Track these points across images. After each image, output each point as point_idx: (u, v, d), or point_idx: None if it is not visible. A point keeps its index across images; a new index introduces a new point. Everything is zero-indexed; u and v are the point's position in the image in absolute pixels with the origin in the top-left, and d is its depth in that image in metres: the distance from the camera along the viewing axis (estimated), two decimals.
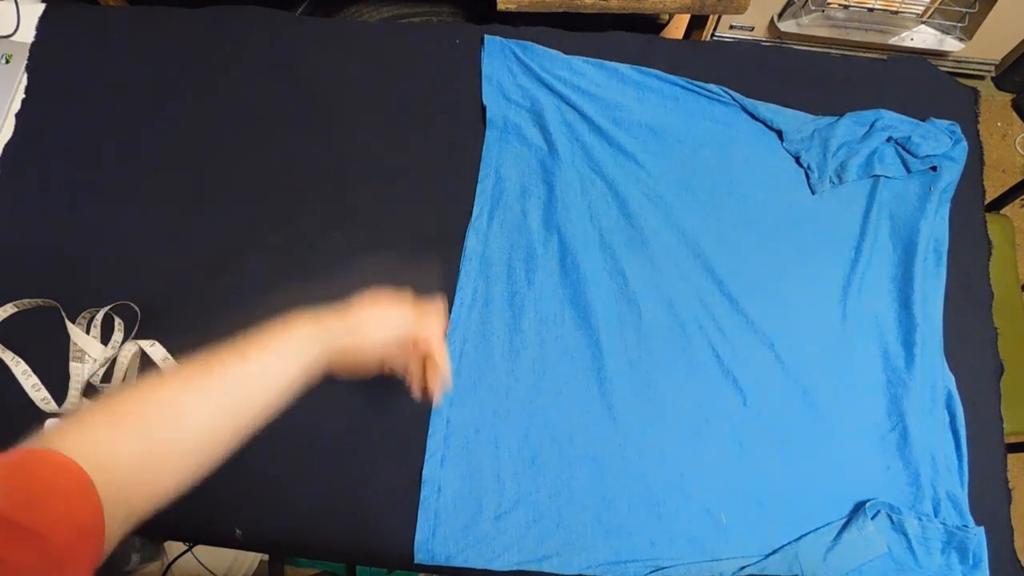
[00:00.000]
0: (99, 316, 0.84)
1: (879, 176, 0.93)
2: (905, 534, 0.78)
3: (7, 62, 0.96)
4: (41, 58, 0.97)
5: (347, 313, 0.62)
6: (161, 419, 0.50)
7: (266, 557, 1.33)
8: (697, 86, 0.97)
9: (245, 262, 0.89)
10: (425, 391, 0.67)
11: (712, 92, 0.96)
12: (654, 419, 0.83)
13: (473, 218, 0.90)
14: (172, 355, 0.84)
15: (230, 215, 0.91)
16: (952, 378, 0.86)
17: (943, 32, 1.66)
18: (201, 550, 1.22)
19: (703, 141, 0.95)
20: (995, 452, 0.85)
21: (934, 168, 0.94)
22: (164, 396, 0.51)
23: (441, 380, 0.67)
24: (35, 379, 0.82)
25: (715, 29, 1.69)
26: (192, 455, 0.51)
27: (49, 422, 0.80)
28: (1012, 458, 0.87)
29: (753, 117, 0.96)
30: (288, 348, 0.58)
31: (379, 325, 0.63)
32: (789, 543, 0.79)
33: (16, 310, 0.84)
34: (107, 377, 0.83)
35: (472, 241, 0.89)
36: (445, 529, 0.78)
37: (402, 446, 0.81)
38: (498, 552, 0.77)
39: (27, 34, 0.99)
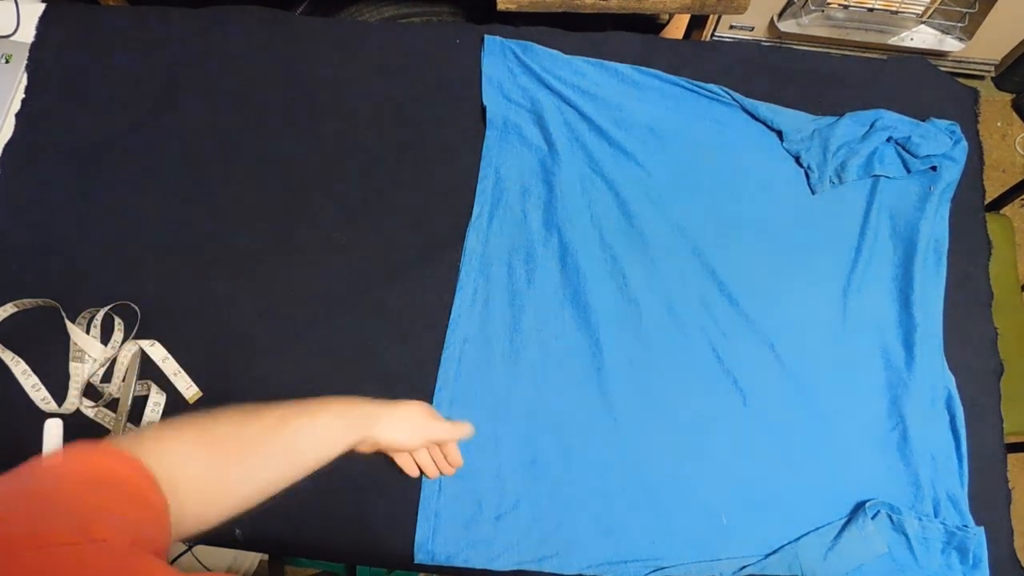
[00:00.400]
0: (99, 316, 0.84)
1: (879, 176, 0.93)
2: (905, 534, 0.78)
3: (7, 62, 0.96)
4: (41, 58, 0.97)
5: (392, 411, 0.69)
6: (234, 455, 0.54)
7: (266, 557, 1.33)
8: (697, 86, 0.97)
9: (245, 262, 0.89)
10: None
11: (712, 92, 0.96)
12: (654, 419, 0.83)
13: (473, 218, 0.90)
14: (172, 355, 0.84)
15: (230, 215, 0.91)
16: (952, 378, 0.86)
17: (943, 32, 1.66)
18: (201, 550, 1.22)
19: (703, 141, 0.95)
20: (995, 452, 0.85)
21: (934, 168, 0.94)
22: (246, 434, 0.56)
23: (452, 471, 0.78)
24: (35, 379, 0.82)
25: (715, 29, 1.69)
26: (245, 494, 0.55)
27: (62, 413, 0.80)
28: (1012, 458, 0.87)
29: (753, 117, 0.96)
30: (344, 424, 0.64)
31: (412, 431, 0.70)
32: (789, 543, 0.79)
33: (16, 310, 0.84)
34: (107, 377, 0.83)
35: (472, 241, 0.89)
36: (445, 529, 0.78)
37: None
38: (498, 552, 0.77)
39: (27, 34, 0.98)
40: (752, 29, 1.70)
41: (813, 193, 0.93)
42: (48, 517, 0.36)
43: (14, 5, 0.99)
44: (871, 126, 0.94)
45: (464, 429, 0.74)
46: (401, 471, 0.76)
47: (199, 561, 1.22)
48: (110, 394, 0.82)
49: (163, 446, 0.49)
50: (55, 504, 0.38)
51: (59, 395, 0.82)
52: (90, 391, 0.83)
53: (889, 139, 0.94)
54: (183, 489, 0.47)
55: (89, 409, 0.81)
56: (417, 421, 0.71)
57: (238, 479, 0.54)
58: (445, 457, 0.77)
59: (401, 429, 0.69)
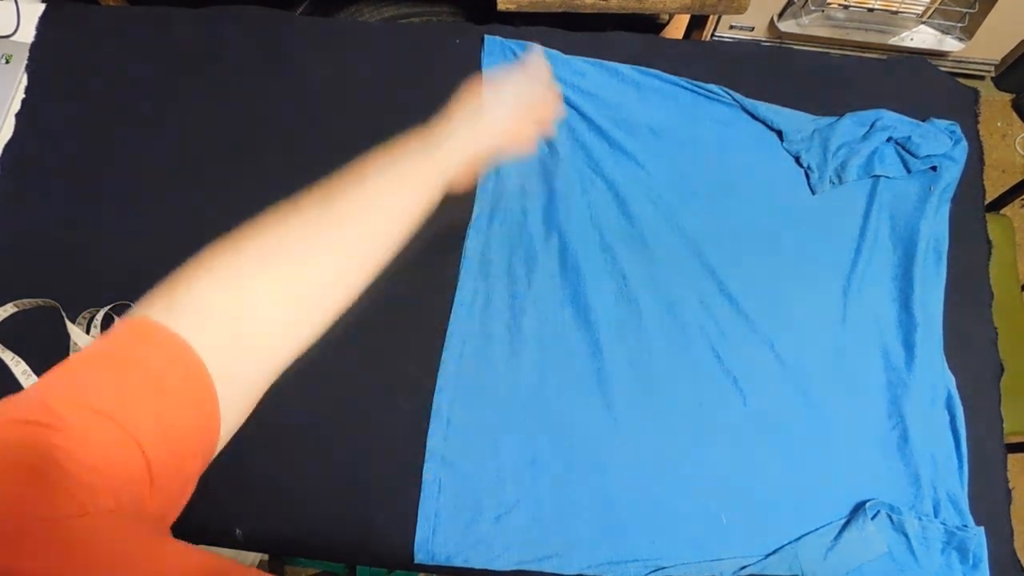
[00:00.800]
0: (99, 316, 0.84)
1: (879, 176, 0.93)
2: (905, 534, 0.78)
3: (7, 62, 0.96)
4: (41, 58, 0.97)
5: (452, 111, 0.57)
6: (270, 264, 0.45)
7: (266, 557, 1.33)
8: (697, 86, 0.97)
9: None
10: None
11: (712, 92, 0.96)
12: (654, 419, 0.83)
13: (473, 218, 0.90)
14: None
15: (230, 214, 0.90)
16: (952, 378, 0.86)
17: (943, 32, 1.66)
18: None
19: (703, 141, 0.95)
20: (995, 452, 0.85)
21: (934, 168, 0.94)
22: (269, 239, 0.46)
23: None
24: (35, 379, 0.82)
25: (715, 29, 1.69)
26: (317, 301, 0.46)
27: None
28: (1012, 458, 0.87)
29: (753, 117, 0.96)
30: (406, 172, 0.53)
31: (496, 106, 0.58)
32: (789, 543, 0.79)
33: (16, 310, 0.84)
34: None
35: (472, 241, 0.89)
36: (445, 529, 0.78)
37: (402, 446, 0.81)
38: (498, 552, 0.77)
39: (27, 34, 0.98)
40: (752, 29, 1.70)
41: (813, 193, 0.93)
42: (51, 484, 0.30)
43: (14, 5, 0.99)
44: (871, 126, 0.94)
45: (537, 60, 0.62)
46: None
47: None
48: None
49: (201, 297, 0.41)
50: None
51: None
52: None
53: (889, 139, 0.94)
54: (249, 331, 0.40)
55: None
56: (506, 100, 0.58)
57: (293, 290, 0.45)
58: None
59: (495, 118, 0.56)
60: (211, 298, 0.43)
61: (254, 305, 0.43)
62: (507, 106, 0.60)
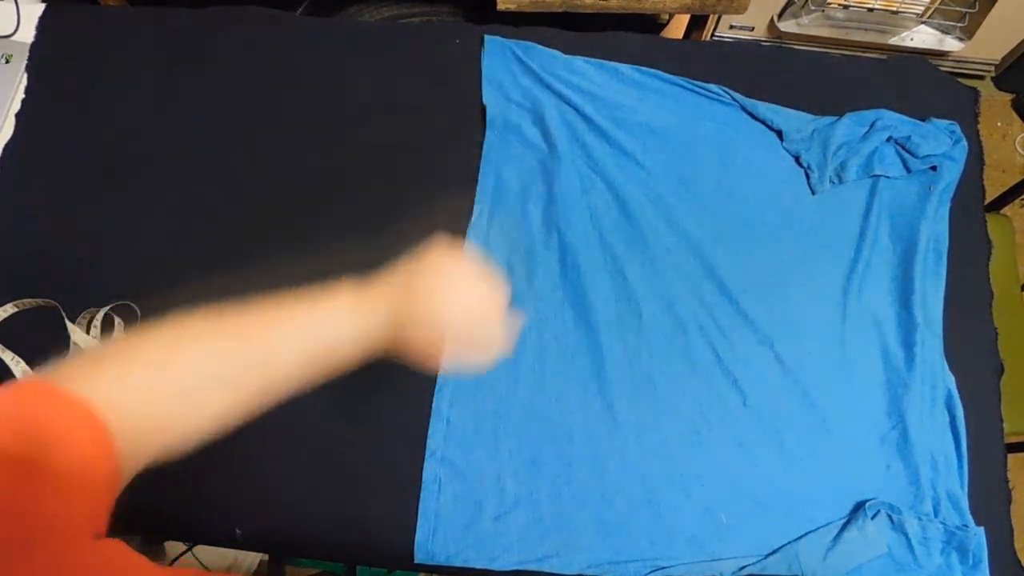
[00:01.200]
0: (99, 316, 0.84)
1: (879, 176, 0.93)
2: (905, 534, 0.78)
3: (7, 62, 0.96)
4: (41, 58, 0.97)
5: (408, 273, 0.54)
6: (179, 363, 0.47)
7: (266, 557, 1.33)
8: (697, 86, 0.97)
9: (245, 261, 0.89)
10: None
11: (712, 92, 0.96)
12: (654, 419, 0.83)
13: (473, 218, 0.90)
14: None
15: (230, 214, 0.91)
16: (952, 378, 0.86)
17: (943, 32, 1.66)
18: (201, 550, 1.22)
19: (703, 141, 0.95)
20: (995, 452, 0.85)
21: (934, 168, 0.94)
22: (185, 341, 0.49)
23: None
24: None
25: (715, 29, 1.69)
26: (212, 404, 0.48)
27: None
28: (1012, 458, 0.87)
29: (753, 117, 0.96)
30: (338, 308, 0.52)
31: (453, 285, 0.53)
32: (789, 543, 0.79)
33: (16, 310, 0.84)
34: None
35: (472, 241, 0.89)
36: (445, 529, 0.78)
37: (402, 446, 0.81)
38: (498, 552, 0.77)
39: (27, 34, 0.98)
40: (752, 29, 1.70)
41: (813, 193, 0.93)
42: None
43: (14, 5, 0.99)
44: (871, 126, 0.94)
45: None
46: None
47: (199, 561, 1.22)
48: None
49: (99, 372, 0.43)
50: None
51: None
52: None
53: (889, 139, 0.94)
54: (131, 409, 0.42)
55: None
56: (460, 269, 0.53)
57: (195, 388, 0.47)
58: None
59: (445, 287, 0.52)
60: (131, 377, 0.45)
61: (169, 392, 0.46)
62: (473, 292, 0.55)
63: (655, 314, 0.87)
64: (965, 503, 0.81)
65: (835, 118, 0.95)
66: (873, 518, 0.79)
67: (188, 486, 0.77)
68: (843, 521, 0.80)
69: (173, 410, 0.46)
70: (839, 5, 1.63)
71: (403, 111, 0.96)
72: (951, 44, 1.66)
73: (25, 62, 0.96)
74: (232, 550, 1.24)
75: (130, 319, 0.85)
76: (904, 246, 0.91)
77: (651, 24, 1.59)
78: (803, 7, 1.62)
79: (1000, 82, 1.86)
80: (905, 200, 0.93)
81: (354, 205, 0.92)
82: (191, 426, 0.47)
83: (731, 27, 1.70)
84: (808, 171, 0.94)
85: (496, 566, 0.77)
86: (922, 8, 1.60)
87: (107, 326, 0.85)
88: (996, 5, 1.54)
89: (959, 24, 1.63)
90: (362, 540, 0.79)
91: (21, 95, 0.95)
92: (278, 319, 0.51)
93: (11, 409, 0.39)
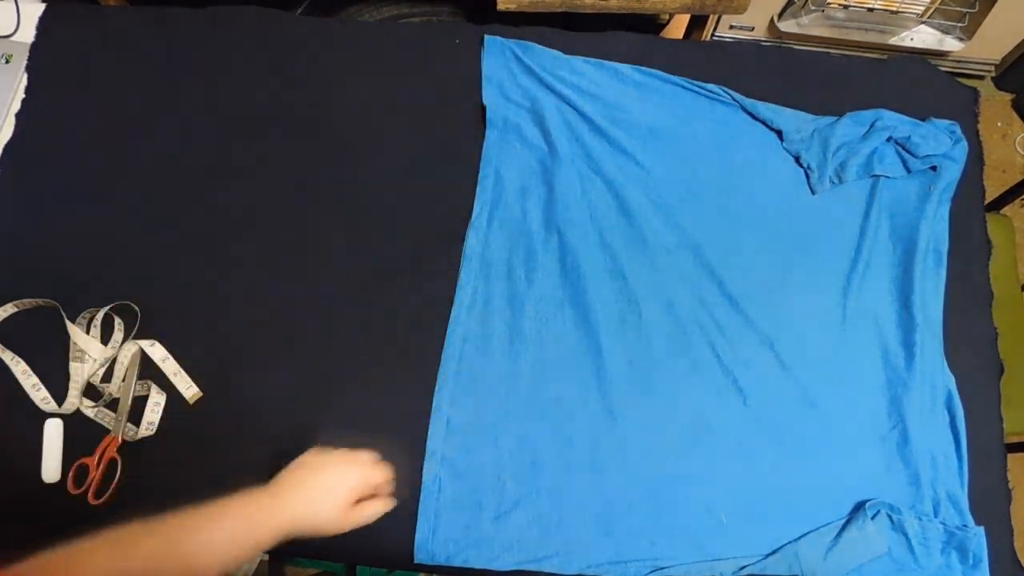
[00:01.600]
0: (99, 316, 0.84)
1: (879, 176, 0.93)
2: (905, 534, 0.78)
3: (7, 62, 0.96)
4: (41, 58, 0.97)
5: (280, 491, 0.62)
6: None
7: (266, 557, 1.33)
8: (697, 86, 0.97)
9: (246, 261, 0.89)
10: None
11: (712, 92, 0.96)
12: (654, 419, 0.83)
13: (473, 218, 0.90)
14: (172, 355, 0.84)
15: (230, 214, 0.91)
16: (952, 378, 0.86)
17: (943, 32, 1.66)
18: None
19: (703, 141, 0.95)
20: (995, 452, 0.85)
21: (934, 168, 0.94)
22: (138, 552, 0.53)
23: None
24: (35, 379, 0.82)
25: (715, 29, 1.69)
26: None
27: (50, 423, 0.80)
28: (1012, 458, 0.87)
29: (753, 117, 0.96)
30: (234, 526, 0.59)
31: (322, 495, 0.63)
32: (789, 543, 0.79)
33: (16, 310, 0.84)
34: (107, 377, 0.83)
35: (472, 241, 0.89)
36: (445, 529, 0.78)
37: (402, 446, 0.81)
38: (498, 552, 0.77)
39: (27, 34, 0.98)
40: (752, 29, 1.70)
41: (813, 193, 0.93)
42: None
43: (14, 5, 0.99)
44: (871, 126, 0.94)
45: (381, 470, 0.67)
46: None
47: None
48: (110, 394, 0.82)
49: None
50: None
51: (59, 395, 0.82)
52: (90, 391, 0.82)
53: (889, 139, 0.94)
54: None
55: (89, 409, 0.81)
56: (331, 491, 0.63)
57: None
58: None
59: (319, 510, 0.62)
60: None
61: None
62: (333, 495, 0.63)
63: (655, 314, 0.87)
64: (965, 503, 0.81)
65: (835, 118, 0.95)
66: (873, 518, 0.79)
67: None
68: (843, 521, 0.80)
69: None
70: (839, 5, 1.63)
71: (403, 111, 0.96)
72: (951, 44, 1.66)
73: (25, 62, 0.97)
74: None
75: (130, 319, 0.85)
76: (904, 246, 0.91)
77: (651, 24, 1.59)
78: (803, 7, 1.62)
79: (1000, 82, 1.86)
80: (905, 200, 0.93)
81: (354, 205, 0.92)
82: None
83: (731, 27, 1.70)
84: (808, 171, 0.94)
85: (496, 566, 0.77)
86: (922, 8, 1.60)
87: (107, 326, 0.85)
88: (996, 5, 1.54)
89: (959, 24, 1.62)
90: (362, 540, 0.78)
91: (21, 95, 0.95)
92: (179, 539, 0.56)
93: None
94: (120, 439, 0.80)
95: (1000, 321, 0.90)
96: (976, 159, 0.96)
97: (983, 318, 0.90)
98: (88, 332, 0.84)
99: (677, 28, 1.55)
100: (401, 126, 0.96)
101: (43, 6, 1.00)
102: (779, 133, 0.95)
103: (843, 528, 0.79)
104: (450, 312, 0.86)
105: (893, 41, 1.66)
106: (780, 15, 1.64)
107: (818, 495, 0.81)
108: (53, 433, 0.80)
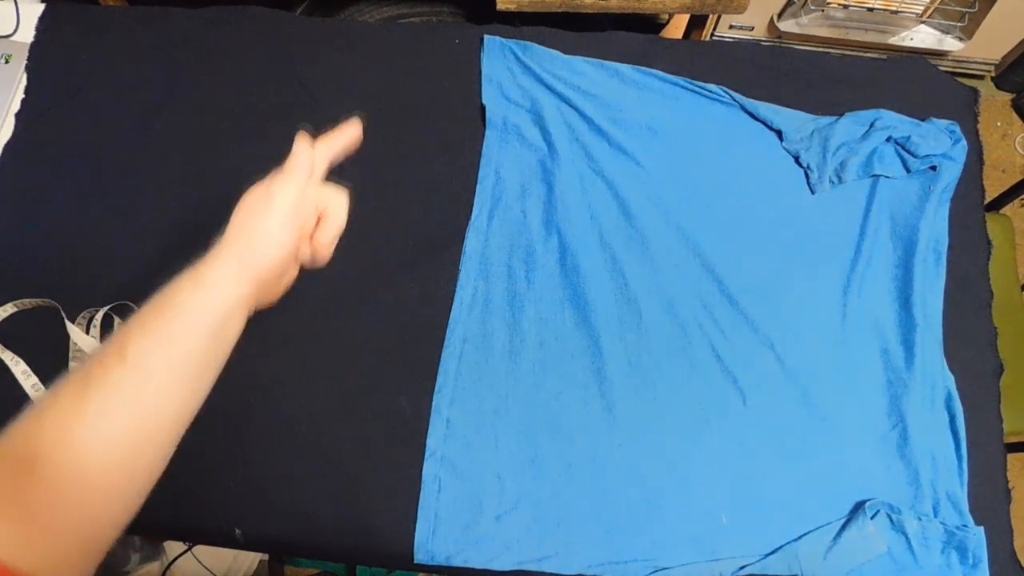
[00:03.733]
0: (99, 316, 0.84)
1: (879, 176, 0.93)
2: (905, 534, 0.78)
3: (7, 62, 0.96)
4: (41, 58, 0.97)
5: (225, 243, 0.57)
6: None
7: (266, 557, 1.33)
8: (697, 86, 0.97)
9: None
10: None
11: (712, 92, 0.96)
12: (654, 419, 0.83)
13: (473, 218, 0.90)
14: None
15: (230, 214, 0.91)
16: (952, 378, 0.86)
17: (943, 32, 1.66)
18: (201, 550, 1.22)
19: (703, 141, 0.95)
20: (995, 452, 0.84)
21: (934, 168, 0.94)
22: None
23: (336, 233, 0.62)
24: (35, 379, 0.82)
25: (715, 29, 1.69)
26: (126, 456, 0.47)
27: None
28: (1012, 458, 0.87)
29: (753, 117, 0.96)
30: (186, 318, 0.54)
31: (269, 228, 0.58)
32: (789, 543, 0.79)
33: (16, 310, 0.84)
34: None
35: (472, 241, 0.89)
36: (445, 529, 0.78)
37: (402, 446, 0.81)
38: (498, 552, 0.77)
39: (27, 34, 0.99)
40: (752, 29, 1.70)
41: (813, 193, 0.93)
42: None
43: (14, 5, 0.99)
44: (871, 126, 0.94)
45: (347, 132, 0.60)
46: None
47: (199, 561, 1.22)
48: None
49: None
50: None
51: None
52: None
53: (889, 139, 0.94)
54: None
55: None
56: (270, 217, 0.57)
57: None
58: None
59: (267, 241, 0.56)
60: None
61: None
62: (277, 221, 0.59)
63: (655, 314, 0.87)
64: (965, 503, 0.81)
65: (835, 118, 0.95)
66: (873, 518, 0.79)
67: (188, 486, 0.77)
68: (843, 521, 0.80)
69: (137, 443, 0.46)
70: (839, 5, 1.63)
71: (403, 111, 0.96)
72: (951, 44, 1.66)
73: (25, 62, 0.97)
74: (232, 550, 1.24)
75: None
76: (904, 246, 0.91)
77: (651, 24, 1.59)
78: (803, 7, 1.62)
79: (1000, 82, 1.87)
80: (905, 200, 0.93)
81: (354, 204, 0.92)
82: (157, 452, 0.47)
83: (731, 27, 1.70)
84: (808, 171, 0.94)
85: (496, 566, 0.77)
86: (922, 8, 1.60)
87: (107, 326, 0.85)
88: (996, 5, 1.54)
89: (959, 24, 1.63)
90: (362, 540, 0.79)
91: (21, 95, 0.95)
92: (150, 355, 0.50)
93: None
94: None
95: (1000, 321, 0.90)
96: (976, 159, 0.96)
97: (983, 318, 0.90)
98: (88, 332, 0.84)
99: (677, 28, 1.56)
100: (401, 126, 0.96)
101: (43, 6, 1.00)
102: (779, 133, 0.95)
103: (843, 528, 0.79)
104: (450, 312, 0.86)
105: (893, 41, 1.66)
106: (780, 15, 1.64)
107: (818, 495, 0.81)
108: None
